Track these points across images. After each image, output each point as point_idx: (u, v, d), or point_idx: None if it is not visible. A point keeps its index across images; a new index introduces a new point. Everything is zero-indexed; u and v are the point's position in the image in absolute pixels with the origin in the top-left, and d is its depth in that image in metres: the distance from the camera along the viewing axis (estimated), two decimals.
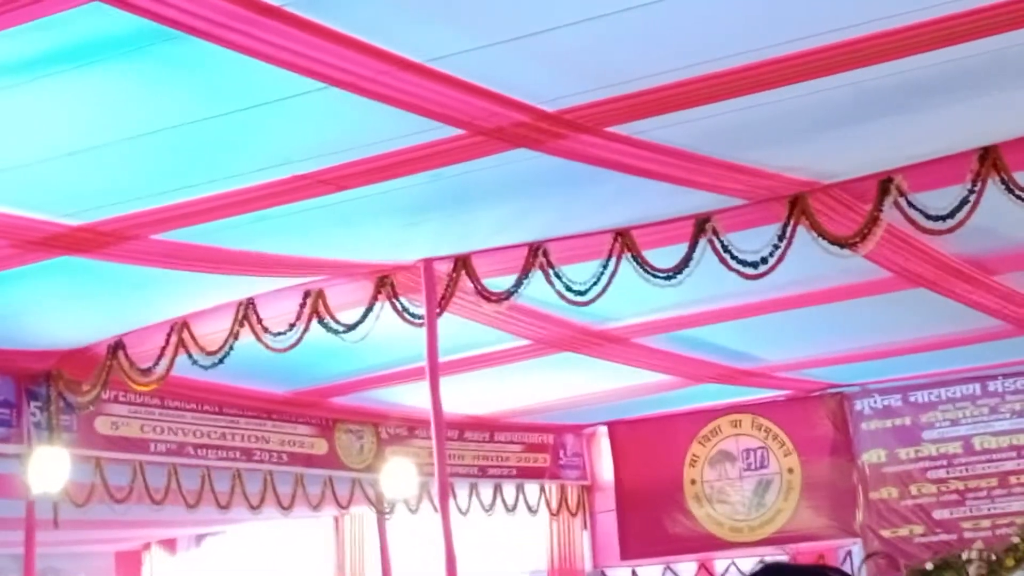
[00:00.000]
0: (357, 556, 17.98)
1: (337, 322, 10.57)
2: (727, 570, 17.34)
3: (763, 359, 14.69)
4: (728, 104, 7.47)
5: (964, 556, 15.37)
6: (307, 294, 10.59)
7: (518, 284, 9.86)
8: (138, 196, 8.11)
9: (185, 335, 11.09)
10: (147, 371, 11.56)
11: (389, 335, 10.78)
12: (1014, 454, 15.72)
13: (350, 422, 15.71)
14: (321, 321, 10.57)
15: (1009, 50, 7.04)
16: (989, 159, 8.32)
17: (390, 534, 16.75)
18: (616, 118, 7.55)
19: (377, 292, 10.35)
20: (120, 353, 11.64)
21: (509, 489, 17.65)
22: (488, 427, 17.05)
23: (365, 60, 6.40)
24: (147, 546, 19.79)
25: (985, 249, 10.67)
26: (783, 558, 16.76)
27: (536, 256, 9.74)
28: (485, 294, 10.06)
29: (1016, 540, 15.18)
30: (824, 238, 8.99)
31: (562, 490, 18.19)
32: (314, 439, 15.37)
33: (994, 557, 15.29)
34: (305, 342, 10.75)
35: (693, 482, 17.51)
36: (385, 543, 16.66)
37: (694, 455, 17.55)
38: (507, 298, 10.04)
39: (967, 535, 15.78)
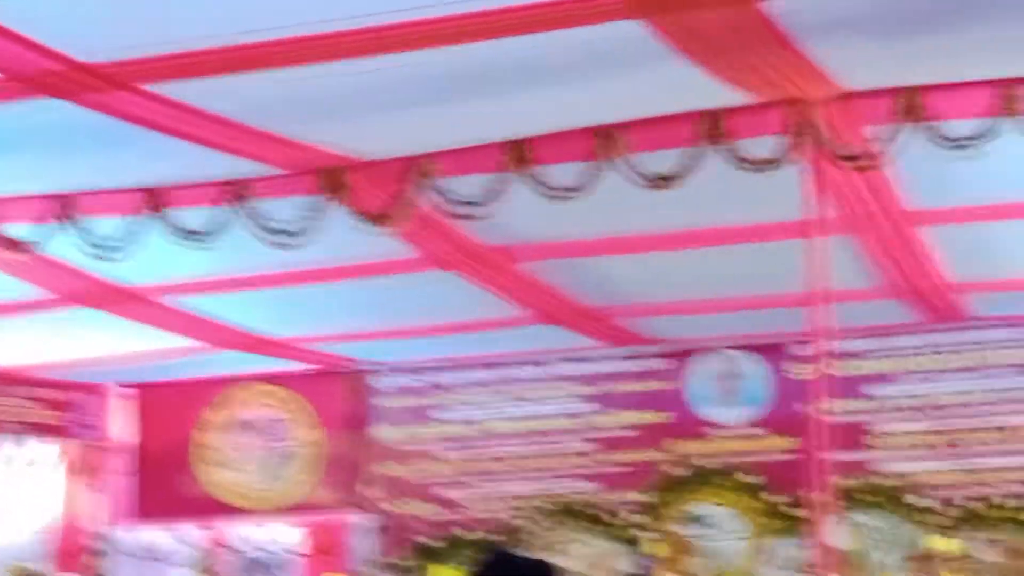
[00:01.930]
0: None
1: None
2: (238, 539, 17.27)
3: (290, 331, 14.74)
4: (271, 74, 7.49)
5: (469, 536, 15.92)
6: None
7: (41, 234, 9.57)
8: None
9: None
10: None
11: None
12: (524, 440, 16.32)
13: None
14: None
15: (543, 48, 7.34)
16: (517, 152, 8.63)
17: None
18: (155, 76, 7.45)
19: None
20: None
21: (22, 445, 17.07)
22: (1, 380, 16.44)
23: None
24: None
25: (512, 237, 11.06)
26: (297, 530, 16.89)
27: (63, 207, 9.48)
28: (5, 242, 9.73)
29: (520, 523, 15.81)
30: (356, 214, 9.12)
31: (77, 449, 17.71)
32: None
33: (500, 539, 15.88)
34: None
35: (210, 448, 17.41)
36: None
37: (214, 421, 17.45)
38: (29, 247, 9.74)
39: (473, 515, 16.30)
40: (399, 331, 14.76)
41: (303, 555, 16.89)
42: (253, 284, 12.17)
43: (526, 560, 3.39)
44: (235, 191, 9.22)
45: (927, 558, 12.67)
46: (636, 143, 8.48)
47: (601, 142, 8.46)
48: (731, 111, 8.27)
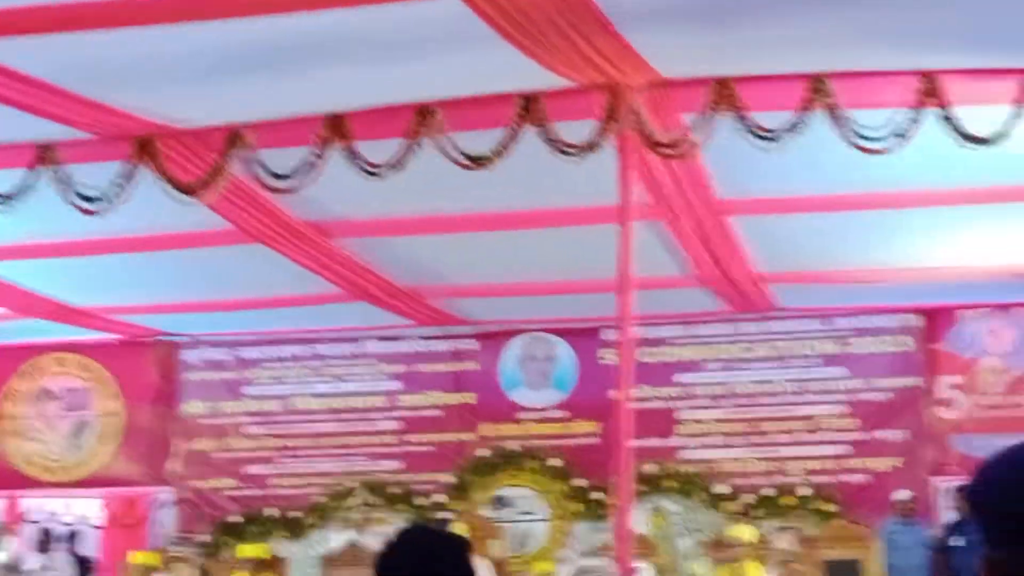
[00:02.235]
0: None
1: None
2: (36, 510, 16.90)
3: (97, 300, 14.46)
4: (85, 36, 7.34)
5: (273, 512, 15.82)
6: None
7: None
8: None
9: None
10: None
11: None
12: (330, 416, 16.29)
13: None
14: None
15: (365, 22, 7.32)
16: (335, 126, 8.58)
17: None
18: None
19: None
20: None
21: None
22: None
23: None
24: None
25: (327, 213, 10.99)
26: (97, 502, 16.61)
27: None
28: None
29: (325, 500, 15.76)
30: (168, 183, 8.98)
31: None
32: None
33: (299, 515, 15.79)
34: None
35: (9, 418, 17.03)
36: None
37: (14, 390, 17.07)
38: None
39: (277, 492, 16.21)
40: (209, 304, 14.58)
41: (102, 528, 16.62)
42: (59, 251, 11.91)
43: (440, 533, 3.44)
44: (44, 154, 9.00)
45: (726, 545, 12.89)
46: (454, 122, 8.48)
47: (419, 119, 8.45)
48: (550, 94, 8.32)
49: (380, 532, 14.54)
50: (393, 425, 16.17)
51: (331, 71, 8.09)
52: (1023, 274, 13.04)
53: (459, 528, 13.01)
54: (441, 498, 15.54)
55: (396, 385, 16.24)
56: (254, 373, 16.58)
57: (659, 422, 15.14)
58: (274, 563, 14.70)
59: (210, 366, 16.69)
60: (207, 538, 15.94)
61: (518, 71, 7.94)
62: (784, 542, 14.09)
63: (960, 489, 12.70)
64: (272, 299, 14.21)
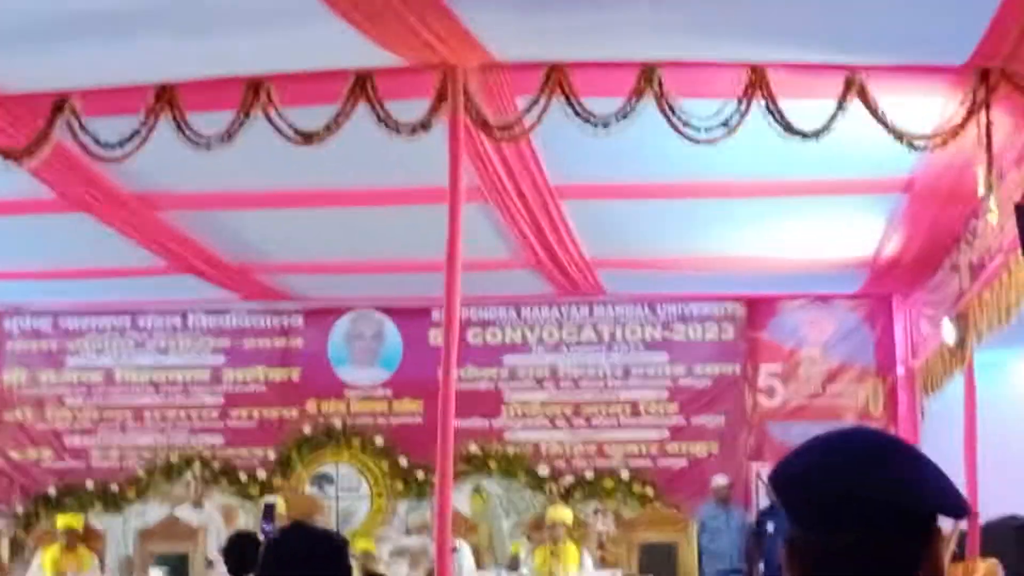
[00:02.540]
0: None
1: None
2: None
3: None
4: None
5: (91, 484, 15.60)
6: None
7: None
8: None
9: None
10: None
11: None
12: (152, 389, 16.08)
13: None
14: None
15: None
16: (165, 97, 8.47)
17: None
18: None
19: None
20: None
21: None
22: None
23: None
24: None
25: (154, 185, 10.84)
26: None
27: None
28: None
29: (145, 474, 15.59)
30: None
31: None
32: None
33: (117, 488, 15.59)
34: None
35: None
36: None
37: None
38: None
39: (95, 464, 15.96)
40: (31, 273, 14.28)
41: None
42: None
43: (321, 534, 3.44)
44: None
45: (544, 526, 13.01)
46: (286, 97, 8.43)
47: (250, 93, 8.38)
48: (383, 72, 8.30)
49: (200, 507, 14.43)
50: (216, 399, 16.04)
51: (162, 41, 7.97)
52: (844, 266, 13.38)
53: (280, 504, 12.97)
54: (264, 474, 15.47)
55: (220, 359, 16.10)
56: (75, 344, 16.30)
57: (486, 403, 15.24)
58: (90, 535, 14.46)
59: (30, 335, 16.37)
60: (21, 509, 15.67)
61: (352, 48, 7.91)
62: (601, 524, 14.27)
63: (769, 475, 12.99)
64: (96, 270, 13.97)
